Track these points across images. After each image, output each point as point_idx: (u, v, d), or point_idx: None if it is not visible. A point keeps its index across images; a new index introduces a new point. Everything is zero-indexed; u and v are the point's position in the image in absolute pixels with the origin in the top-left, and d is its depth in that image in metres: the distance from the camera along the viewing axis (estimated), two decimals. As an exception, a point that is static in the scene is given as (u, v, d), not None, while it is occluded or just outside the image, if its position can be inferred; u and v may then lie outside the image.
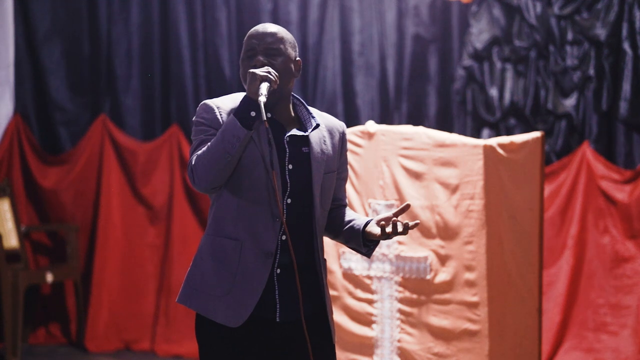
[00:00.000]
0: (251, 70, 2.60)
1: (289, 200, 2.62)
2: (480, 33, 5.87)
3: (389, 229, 2.57)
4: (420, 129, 4.16)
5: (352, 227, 2.73)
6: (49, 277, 6.09)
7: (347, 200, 2.87)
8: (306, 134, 2.67)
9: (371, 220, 2.70)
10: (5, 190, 6.24)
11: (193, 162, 2.58)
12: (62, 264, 6.34)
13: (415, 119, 5.87)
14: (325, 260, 2.75)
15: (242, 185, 2.61)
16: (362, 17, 6.17)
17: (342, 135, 2.79)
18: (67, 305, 6.45)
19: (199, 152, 2.58)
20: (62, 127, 6.57)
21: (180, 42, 6.39)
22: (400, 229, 2.55)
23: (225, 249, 2.63)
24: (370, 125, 4.26)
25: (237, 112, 2.56)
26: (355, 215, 2.78)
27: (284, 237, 2.62)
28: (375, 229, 2.64)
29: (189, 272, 2.71)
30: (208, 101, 2.68)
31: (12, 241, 6.15)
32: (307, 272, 2.66)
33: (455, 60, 6.04)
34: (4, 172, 6.44)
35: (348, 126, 4.80)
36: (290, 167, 2.64)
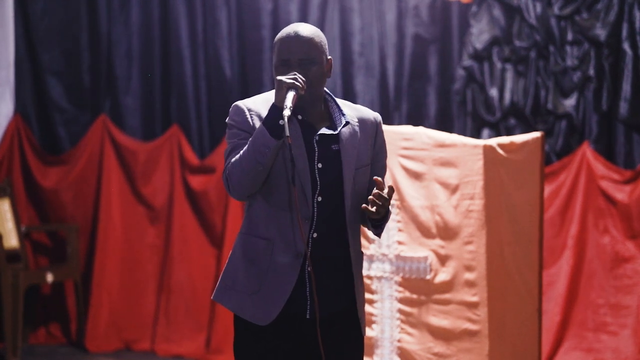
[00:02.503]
0: (278, 77, 2.60)
1: (319, 198, 2.65)
2: (480, 33, 5.87)
3: (372, 208, 2.59)
4: (420, 129, 4.16)
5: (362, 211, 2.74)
6: (49, 277, 6.09)
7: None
8: (335, 132, 2.68)
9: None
10: (6, 190, 6.24)
11: (227, 171, 2.62)
12: (62, 264, 6.34)
13: (415, 119, 5.87)
14: (362, 253, 2.77)
15: (272, 187, 2.64)
16: (362, 17, 6.17)
17: (376, 126, 2.79)
18: (67, 305, 6.45)
19: (232, 160, 2.61)
20: (62, 127, 6.57)
21: (181, 42, 6.39)
22: (375, 204, 2.57)
23: (257, 248, 2.67)
24: (370, 126, 4.25)
25: (266, 121, 2.58)
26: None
27: (315, 235, 2.64)
28: (368, 212, 2.63)
29: (223, 270, 2.75)
30: (239, 102, 2.70)
31: (12, 241, 6.15)
32: (339, 268, 2.69)
33: (455, 60, 6.04)
34: (4, 172, 6.45)
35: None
36: (320, 165, 2.65)
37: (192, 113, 6.41)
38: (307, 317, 2.66)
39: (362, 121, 2.75)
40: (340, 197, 2.67)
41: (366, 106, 6.40)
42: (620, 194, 5.45)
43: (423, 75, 6.10)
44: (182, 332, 6.20)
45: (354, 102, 6.15)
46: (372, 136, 2.77)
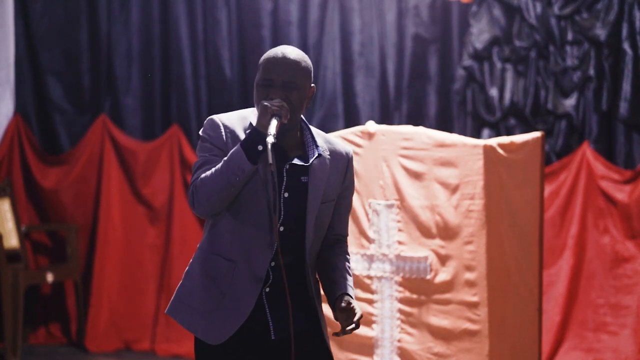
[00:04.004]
0: (264, 102, 2.54)
1: (281, 228, 2.60)
2: (480, 33, 5.88)
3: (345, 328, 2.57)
4: (420, 129, 4.16)
5: (328, 295, 2.69)
6: (49, 277, 6.09)
7: (347, 232, 2.80)
8: (307, 164, 2.62)
9: (337, 300, 2.63)
10: (6, 190, 6.24)
11: (195, 186, 2.55)
12: (62, 264, 6.34)
13: (415, 119, 5.87)
14: (318, 282, 2.73)
15: (241, 209, 2.59)
16: (362, 17, 6.17)
17: (347, 162, 2.72)
18: (67, 305, 6.45)
19: (202, 176, 2.55)
20: (62, 127, 6.57)
21: (181, 42, 6.39)
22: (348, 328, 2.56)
23: (218, 268, 2.62)
24: (370, 126, 4.26)
25: (245, 144, 2.52)
26: (337, 277, 2.70)
27: (273, 264, 2.60)
28: (339, 318, 2.60)
29: (180, 284, 2.72)
30: (215, 117, 2.64)
31: (12, 241, 6.15)
32: (298, 295, 2.64)
33: (455, 60, 6.04)
34: (4, 172, 6.44)
35: (348, 126, 4.82)
36: (286, 195, 2.60)
37: (192, 113, 6.41)
38: (273, 337, 2.62)
39: (333, 155, 2.68)
40: (302, 230, 2.62)
41: (366, 106, 6.44)
42: (620, 194, 5.45)
43: (423, 75, 6.10)
44: (182, 332, 6.20)
45: (354, 102, 6.18)
46: (342, 172, 2.70)
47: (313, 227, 2.63)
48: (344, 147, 2.73)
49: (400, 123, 5.94)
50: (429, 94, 6.11)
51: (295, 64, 2.59)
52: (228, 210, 2.59)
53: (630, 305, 5.36)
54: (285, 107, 2.53)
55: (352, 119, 6.07)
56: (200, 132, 2.65)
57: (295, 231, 2.61)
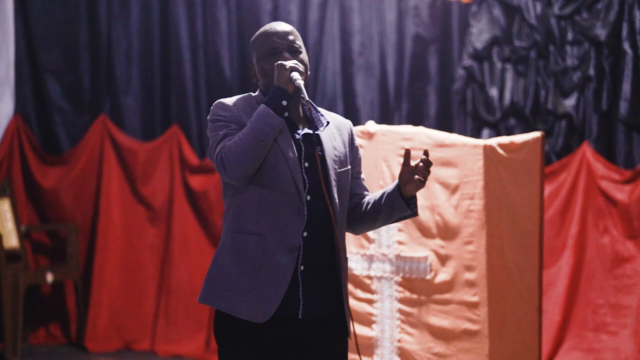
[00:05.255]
0: (279, 62, 2.63)
1: (308, 197, 2.64)
2: (480, 33, 5.87)
3: (417, 176, 2.63)
4: (420, 129, 4.16)
5: (387, 198, 2.73)
6: (49, 277, 6.09)
7: (367, 189, 2.88)
8: (318, 132, 2.70)
9: (396, 184, 2.71)
10: (6, 190, 6.24)
11: (222, 153, 2.59)
12: (62, 264, 6.34)
13: (415, 119, 5.87)
14: (347, 258, 2.77)
15: (265, 181, 2.63)
16: (362, 17, 6.18)
17: (350, 132, 2.84)
18: (67, 305, 6.45)
19: (228, 143, 2.59)
20: (62, 127, 6.57)
21: (181, 42, 6.39)
22: (422, 165, 2.63)
23: (248, 245, 2.64)
24: (371, 125, 4.26)
25: (269, 102, 2.59)
26: (377, 192, 2.80)
27: (305, 234, 2.63)
28: (410, 186, 2.66)
29: (209, 271, 2.71)
30: (223, 100, 2.71)
31: (12, 241, 6.15)
32: (329, 270, 2.68)
33: (455, 60, 6.04)
34: (4, 172, 6.45)
35: (348, 126, 4.83)
36: (307, 164, 2.66)
37: (192, 113, 6.41)
38: (300, 317, 2.64)
39: (337, 125, 2.80)
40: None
41: (366, 106, 6.43)
42: (620, 194, 5.45)
43: (423, 75, 6.10)
44: (182, 332, 6.21)
45: (354, 102, 6.18)
46: (348, 140, 2.81)
47: (337, 194, 2.69)
48: (343, 119, 2.87)
49: (400, 123, 5.94)
50: (429, 93, 6.11)
51: (291, 30, 2.75)
52: (251, 184, 2.63)
53: (630, 305, 5.36)
54: (300, 65, 2.65)
55: (352, 119, 5.99)
56: (209, 117, 2.70)
57: (322, 200, 2.65)
